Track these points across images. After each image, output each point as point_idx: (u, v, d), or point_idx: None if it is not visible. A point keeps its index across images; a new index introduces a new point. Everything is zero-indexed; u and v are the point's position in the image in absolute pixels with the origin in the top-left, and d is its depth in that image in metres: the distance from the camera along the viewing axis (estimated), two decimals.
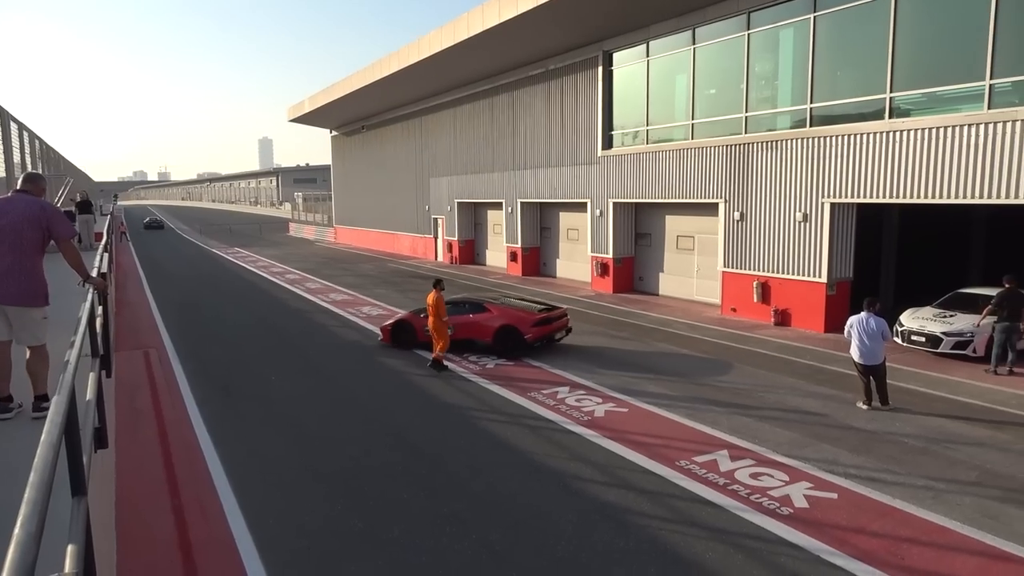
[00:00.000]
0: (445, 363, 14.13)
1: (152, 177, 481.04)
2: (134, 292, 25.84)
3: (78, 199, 22.10)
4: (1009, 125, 12.99)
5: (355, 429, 10.74)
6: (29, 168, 16.22)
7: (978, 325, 13.33)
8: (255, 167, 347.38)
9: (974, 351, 13.64)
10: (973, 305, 14.35)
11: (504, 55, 26.78)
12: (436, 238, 37.14)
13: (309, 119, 47.62)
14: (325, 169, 68.10)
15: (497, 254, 32.88)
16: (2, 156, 13.22)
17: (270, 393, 12.76)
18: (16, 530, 1.93)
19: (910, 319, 14.92)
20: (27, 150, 16.54)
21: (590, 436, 10.07)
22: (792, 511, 7.54)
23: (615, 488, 8.33)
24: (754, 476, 8.48)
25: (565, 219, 28.19)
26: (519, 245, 29.62)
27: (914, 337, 14.48)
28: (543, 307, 15.90)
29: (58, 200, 21.32)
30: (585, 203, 25.26)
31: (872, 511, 7.52)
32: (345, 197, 50.29)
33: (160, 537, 7.31)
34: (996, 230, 20.04)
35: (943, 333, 13.94)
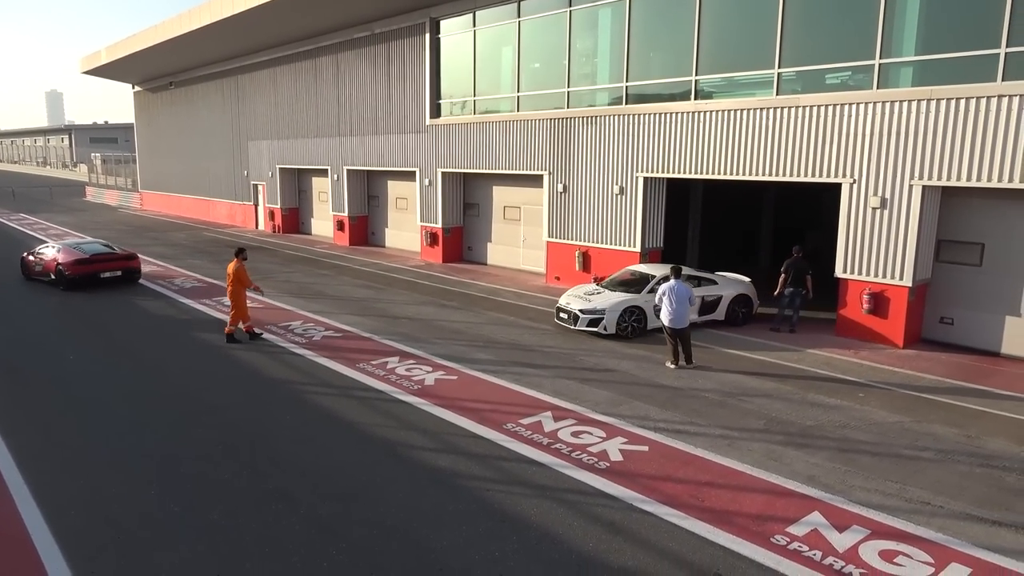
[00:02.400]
0: (236, 336, 13.66)
1: None
2: None
3: None
4: (793, 110, 14.51)
5: (169, 410, 10.08)
6: None
7: (776, 294, 14.66)
8: (43, 123, 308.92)
9: (604, 328, 13.77)
10: (640, 282, 14.53)
11: (327, 15, 25.65)
12: (257, 205, 35.22)
13: (107, 72, 43.02)
14: (128, 128, 62.05)
15: (323, 223, 31.83)
16: None
17: (68, 375, 11.62)
18: None
19: (566, 296, 14.95)
20: None
21: (420, 404, 10.16)
22: (609, 464, 8.11)
23: (445, 454, 8.50)
24: (575, 434, 9.00)
25: (394, 188, 27.82)
26: (346, 214, 28.87)
27: (561, 314, 14.63)
28: (107, 253, 19.73)
29: None
30: (414, 172, 25.06)
31: (677, 460, 8.28)
32: (152, 160, 46.23)
33: None
34: (783, 205, 22.42)
35: (580, 311, 13.98)
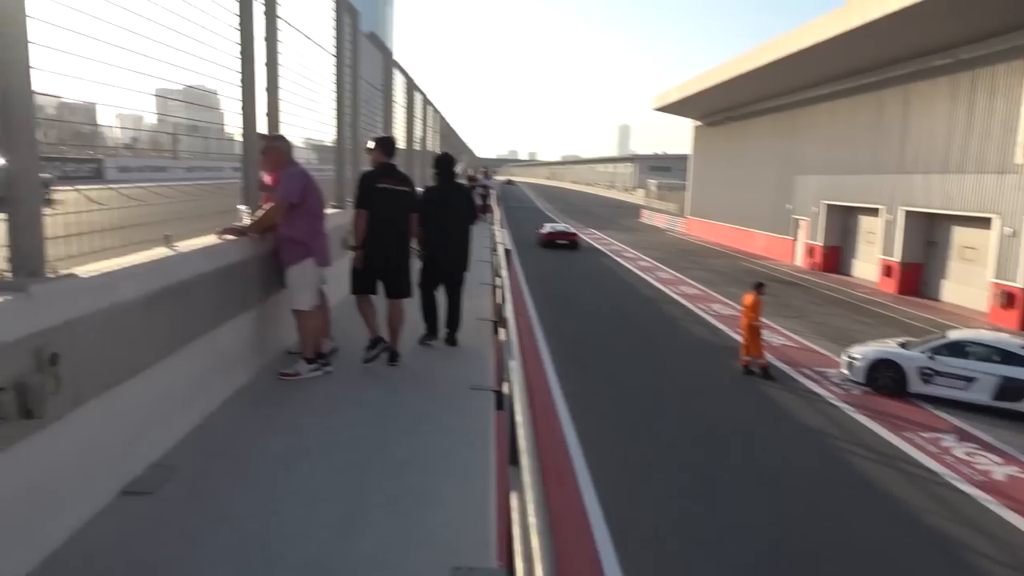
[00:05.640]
0: (766, 369, 13.72)
1: (522, 156, 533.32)
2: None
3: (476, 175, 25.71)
4: None
5: (699, 429, 10.67)
6: (429, 138, 16.99)
7: None
8: (613, 152, 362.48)
9: (852, 374, 13.06)
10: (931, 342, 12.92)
11: (900, 43, 23.70)
12: (796, 240, 34.81)
13: (673, 108, 47.87)
14: (680, 159, 68.12)
15: (867, 265, 29.60)
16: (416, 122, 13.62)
17: (620, 376, 13.25)
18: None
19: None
20: (429, 123, 16.88)
21: (984, 501, 8.60)
22: None
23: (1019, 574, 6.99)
24: None
25: (959, 235, 24.21)
26: (896, 259, 26.22)
27: None
28: (560, 231, 36.75)
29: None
30: (989, 219, 21.45)
31: None
32: (701, 188, 49.77)
33: None
34: None
35: (849, 356, 13.48)
